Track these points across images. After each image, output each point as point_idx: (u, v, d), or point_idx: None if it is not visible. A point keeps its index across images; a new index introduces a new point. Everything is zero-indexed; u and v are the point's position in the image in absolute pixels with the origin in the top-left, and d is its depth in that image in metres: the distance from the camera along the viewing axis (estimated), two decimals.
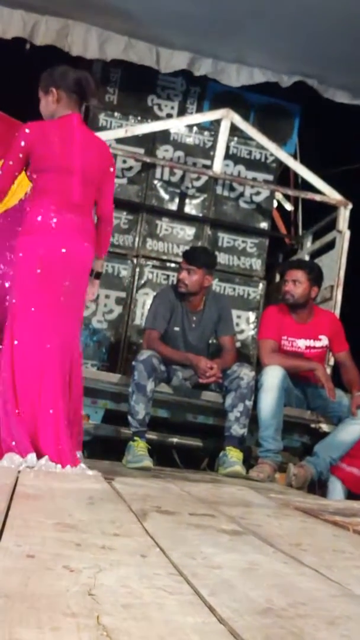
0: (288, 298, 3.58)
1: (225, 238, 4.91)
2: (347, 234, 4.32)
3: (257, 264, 4.93)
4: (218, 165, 4.44)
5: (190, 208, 4.89)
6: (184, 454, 4.12)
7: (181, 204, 4.87)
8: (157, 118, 4.81)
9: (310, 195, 4.55)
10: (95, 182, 2.75)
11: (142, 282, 4.70)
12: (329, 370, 3.87)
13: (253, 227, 4.97)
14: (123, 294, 4.65)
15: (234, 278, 4.86)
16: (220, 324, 3.64)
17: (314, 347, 3.63)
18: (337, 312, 4.12)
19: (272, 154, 4.80)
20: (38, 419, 2.52)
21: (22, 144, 2.63)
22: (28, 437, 2.47)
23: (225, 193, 4.95)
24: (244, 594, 1.03)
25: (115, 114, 4.79)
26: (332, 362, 3.98)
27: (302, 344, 3.60)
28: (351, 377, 3.60)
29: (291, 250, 5.40)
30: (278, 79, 4.63)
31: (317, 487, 3.61)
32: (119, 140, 4.49)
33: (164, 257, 4.77)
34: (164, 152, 4.86)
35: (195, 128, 4.90)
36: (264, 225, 5.02)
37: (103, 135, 3.70)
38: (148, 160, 4.62)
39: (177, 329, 3.58)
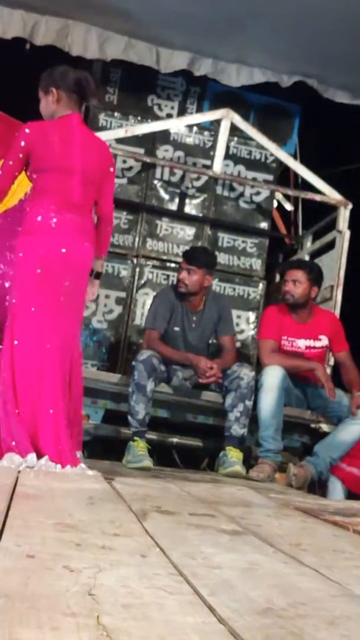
0: (288, 298, 3.58)
1: (225, 238, 4.91)
2: (347, 234, 4.32)
3: (257, 264, 4.93)
4: (218, 165, 4.44)
5: (190, 208, 4.89)
6: (184, 454, 4.12)
7: (181, 204, 4.87)
8: (157, 118, 4.81)
9: (310, 195, 4.55)
10: (96, 182, 2.75)
11: (142, 282, 4.70)
12: (328, 370, 3.87)
13: (253, 227, 4.97)
14: (123, 294, 4.65)
15: (234, 278, 4.86)
16: (220, 324, 3.64)
17: (314, 347, 3.62)
18: (337, 312, 4.12)
19: (272, 154, 4.80)
20: (38, 419, 2.52)
21: (22, 144, 2.63)
22: (28, 437, 2.47)
23: (225, 193, 4.95)
24: (244, 594, 1.03)
25: (115, 114, 4.79)
26: (332, 362, 3.98)
27: (302, 344, 3.60)
28: (351, 377, 3.60)
29: (291, 250, 5.40)
30: (278, 79, 4.63)
31: (317, 487, 3.61)
32: (119, 140, 4.49)
33: (164, 257, 4.77)
34: (164, 152, 4.86)
35: (195, 128, 4.90)
36: (264, 225, 5.02)
37: (103, 135, 3.70)
38: (148, 160, 4.62)
39: (177, 329, 3.58)
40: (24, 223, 2.73)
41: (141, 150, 4.73)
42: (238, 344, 4.52)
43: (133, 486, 2.25)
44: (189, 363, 3.38)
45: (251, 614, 0.93)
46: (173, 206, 4.85)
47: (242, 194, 4.96)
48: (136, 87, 4.79)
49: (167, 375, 3.48)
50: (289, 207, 5.66)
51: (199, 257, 3.55)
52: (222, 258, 4.75)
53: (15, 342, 2.57)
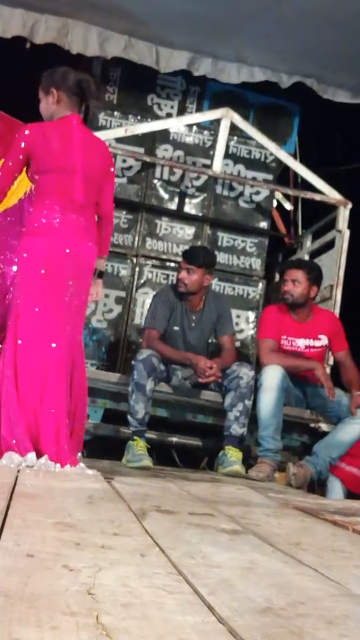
0: (287, 298, 3.58)
1: (224, 237, 4.91)
2: (346, 233, 4.32)
3: (256, 264, 4.93)
4: (218, 164, 4.44)
5: (190, 207, 4.89)
6: (183, 453, 4.12)
7: (181, 204, 4.87)
8: (156, 117, 4.81)
9: (310, 195, 4.55)
10: (96, 181, 2.76)
11: (142, 281, 4.70)
12: (328, 370, 3.87)
13: (253, 226, 4.98)
14: (123, 294, 4.65)
15: (233, 277, 4.86)
16: (219, 323, 3.64)
17: (314, 347, 3.62)
18: (337, 311, 4.12)
19: (271, 154, 4.80)
20: (40, 418, 2.52)
21: (22, 145, 2.64)
22: (29, 436, 2.48)
23: (225, 192, 4.95)
24: (243, 594, 1.03)
25: (115, 113, 4.79)
26: (331, 361, 3.98)
27: (301, 343, 3.60)
28: (350, 377, 3.60)
29: (291, 250, 5.40)
30: (277, 79, 4.63)
31: (317, 486, 3.62)
32: (119, 140, 4.49)
33: (164, 257, 4.77)
34: (164, 151, 4.86)
35: (195, 127, 4.90)
36: (263, 224, 5.02)
37: (103, 135, 3.70)
38: (148, 159, 4.62)
39: (176, 328, 3.58)
40: (27, 224, 2.74)
41: (141, 150, 4.73)
42: (237, 344, 4.52)
43: (132, 485, 2.25)
44: (189, 362, 3.38)
45: (250, 613, 0.93)
46: (173, 205, 4.85)
47: (241, 194, 4.96)
48: (136, 86, 4.79)
49: (166, 375, 3.48)
50: (288, 206, 5.66)
51: (199, 257, 3.54)
52: (221, 257, 4.76)
53: (19, 342, 2.57)
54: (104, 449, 3.81)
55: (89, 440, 3.56)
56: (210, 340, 3.79)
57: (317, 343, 3.63)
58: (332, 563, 1.36)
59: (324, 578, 1.22)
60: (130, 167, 4.76)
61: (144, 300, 4.60)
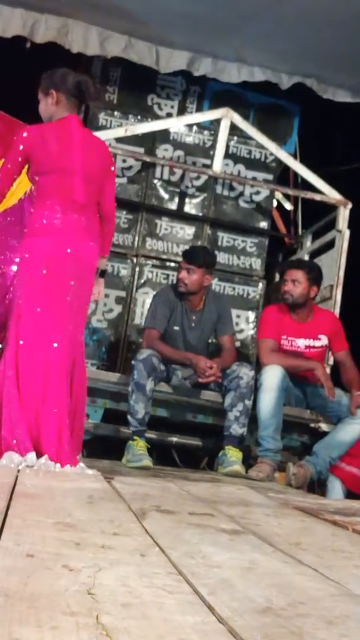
0: (287, 298, 3.58)
1: (225, 237, 4.91)
2: (346, 233, 4.32)
3: (256, 264, 4.93)
4: (218, 164, 4.44)
5: (190, 207, 4.89)
6: (183, 453, 4.12)
7: (181, 204, 4.87)
8: (157, 117, 4.81)
9: (310, 195, 4.55)
10: (97, 181, 2.76)
11: (142, 281, 4.70)
12: (328, 370, 3.87)
13: (253, 226, 4.98)
14: (123, 293, 4.66)
15: (233, 277, 4.86)
16: (219, 323, 3.64)
17: (314, 347, 3.62)
18: (337, 311, 4.12)
19: (272, 154, 4.80)
20: (41, 418, 2.52)
21: (21, 147, 2.64)
22: (29, 435, 2.48)
23: (225, 192, 4.95)
24: (243, 593, 1.03)
25: (115, 113, 4.79)
26: (331, 361, 3.98)
27: (301, 343, 3.60)
28: (351, 377, 3.60)
29: (291, 250, 5.40)
30: (277, 79, 4.63)
31: (317, 486, 3.62)
32: (119, 140, 4.48)
33: (164, 257, 4.77)
34: (164, 151, 4.86)
35: (195, 127, 4.90)
36: (263, 224, 5.02)
37: (103, 135, 3.70)
38: (148, 159, 4.62)
39: (176, 328, 3.58)
40: (28, 224, 2.74)
41: (141, 150, 4.73)
42: (237, 344, 4.52)
43: (132, 485, 2.25)
44: (189, 362, 3.38)
45: (250, 613, 0.93)
46: (173, 205, 4.85)
47: (241, 194, 4.96)
48: (136, 86, 4.79)
49: (166, 375, 3.48)
50: (288, 206, 5.66)
51: (199, 257, 3.54)
52: (221, 257, 4.76)
53: (21, 342, 2.57)
54: (104, 448, 3.81)
55: (89, 440, 3.57)
56: (210, 340, 3.79)
57: (317, 343, 3.63)
58: (332, 563, 1.36)
59: (324, 578, 1.22)
60: (130, 167, 4.76)
61: (144, 300, 4.60)
